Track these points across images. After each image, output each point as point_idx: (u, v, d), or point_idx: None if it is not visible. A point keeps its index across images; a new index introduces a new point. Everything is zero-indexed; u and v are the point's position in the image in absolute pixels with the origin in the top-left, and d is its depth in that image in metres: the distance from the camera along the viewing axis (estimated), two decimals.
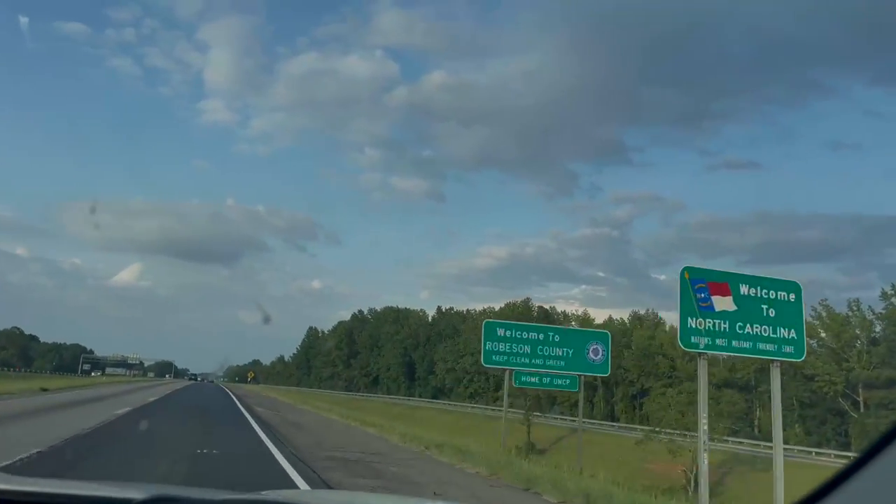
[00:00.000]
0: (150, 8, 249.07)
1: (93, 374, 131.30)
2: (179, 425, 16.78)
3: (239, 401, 33.99)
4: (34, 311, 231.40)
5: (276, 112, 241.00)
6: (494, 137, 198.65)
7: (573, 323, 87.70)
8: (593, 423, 68.83)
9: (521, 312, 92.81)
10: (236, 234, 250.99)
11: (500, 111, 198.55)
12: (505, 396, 19.26)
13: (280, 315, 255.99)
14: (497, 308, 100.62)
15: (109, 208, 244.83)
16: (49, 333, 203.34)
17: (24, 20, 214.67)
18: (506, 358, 17.17)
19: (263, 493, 1.93)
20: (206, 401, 32.28)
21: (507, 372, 18.11)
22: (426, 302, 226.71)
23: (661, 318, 79.12)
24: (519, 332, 17.44)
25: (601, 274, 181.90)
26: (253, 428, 17.37)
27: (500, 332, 17.34)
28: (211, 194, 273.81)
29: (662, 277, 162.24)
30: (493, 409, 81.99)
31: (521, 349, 17.16)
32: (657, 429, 44.32)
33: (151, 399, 27.30)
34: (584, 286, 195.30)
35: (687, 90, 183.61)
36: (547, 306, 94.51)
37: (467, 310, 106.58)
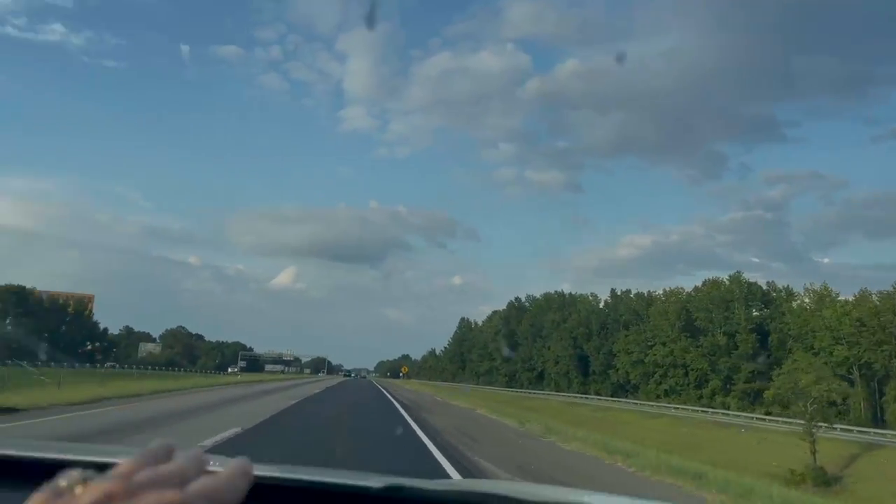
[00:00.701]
0: (293, 25, 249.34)
1: (230, 370, 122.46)
2: None
3: (416, 421, 17.20)
4: (202, 312, 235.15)
5: (413, 114, 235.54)
6: (632, 122, 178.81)
7: (806, 301, 65.37)
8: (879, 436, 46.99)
9: (726, 291, 71.52)
10: (380, 235, 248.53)
11: (638, 95, 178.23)
12: None
13: (425, 311, 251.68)
14: (688, 289, 79.74)
15: (266, 217, 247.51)
16: (214, 333, 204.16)
17: (185, 48, 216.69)
18: None
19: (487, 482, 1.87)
20: (359, 427, 15.46)
21: None
22: None
23: None
24: None
25: (755, 260, 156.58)
26: None
27: None
28: (355, 198, 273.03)
29: (826, 261, 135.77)
30: (705, 411, 61.72)
31: None
32: None
33: (231, 432, 11.03)
34: (735, 273, 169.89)
35: (846, 55, 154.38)
36: (763, 283, 72.42)
37: (649, 292, 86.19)
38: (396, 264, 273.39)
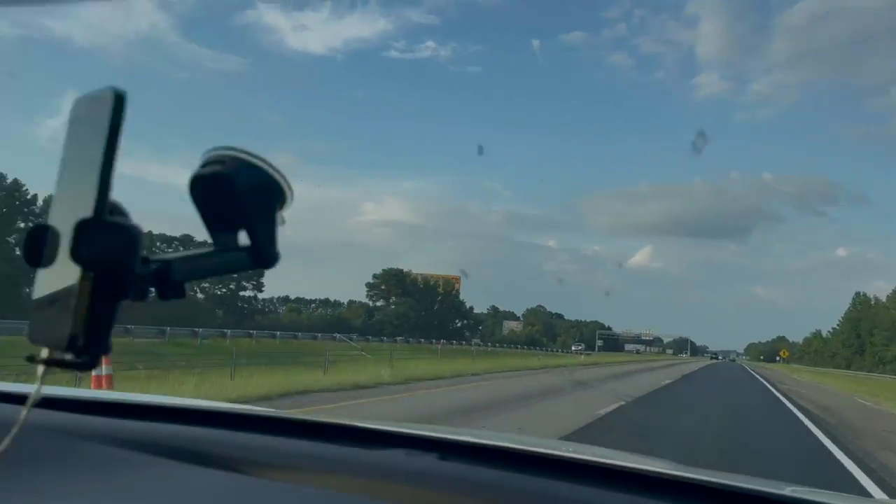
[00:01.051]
0: None
1: (573, 348, 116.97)
2: None
3: None
4: (561, 292, 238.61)
5: (775, 71, 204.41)
6: None
7: None
8: None
9: None
10: (743, 208, 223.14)
11: None
12: None
13: (801, 288, 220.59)
14: None
15: (620, 197, 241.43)
16: (572, 312, 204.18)
17: (535, 43, 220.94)
18: None
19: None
20: None
21: None
22: None
23: None
24: None
25: None
26: None
27: None
28: (712, 170, 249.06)
29: None
30: None
31: None
32: None
33: None
34: None
35: None
36: None
37: None
38: (764, 238, 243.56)
